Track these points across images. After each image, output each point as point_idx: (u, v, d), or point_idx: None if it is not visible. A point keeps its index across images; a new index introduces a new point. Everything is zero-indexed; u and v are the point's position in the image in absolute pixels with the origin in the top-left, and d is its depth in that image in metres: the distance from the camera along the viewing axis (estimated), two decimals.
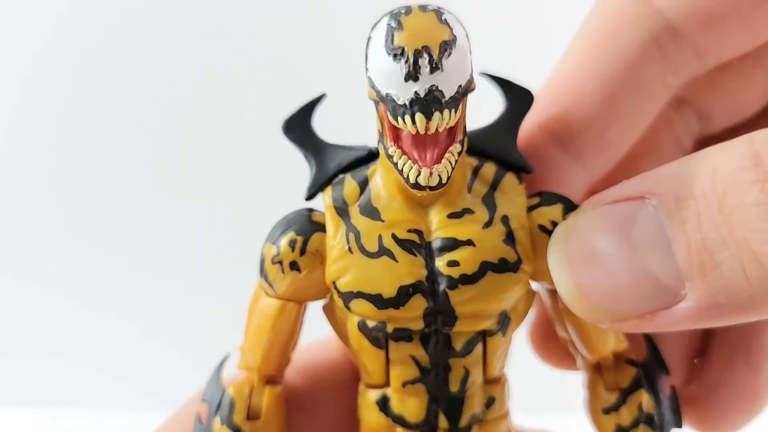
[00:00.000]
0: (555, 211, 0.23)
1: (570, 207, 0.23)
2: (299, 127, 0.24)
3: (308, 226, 0.23)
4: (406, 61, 0.20)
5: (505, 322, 0.23)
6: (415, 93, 0.20)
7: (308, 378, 0.27)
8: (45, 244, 0.62)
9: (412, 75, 0.20)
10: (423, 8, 0.20)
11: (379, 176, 0.23)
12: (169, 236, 0.62)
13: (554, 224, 0.23)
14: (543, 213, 0.23)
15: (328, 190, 0.24)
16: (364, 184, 0.23)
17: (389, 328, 0.22)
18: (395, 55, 0.20)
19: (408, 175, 0.21)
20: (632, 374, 0.25)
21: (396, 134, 0.21)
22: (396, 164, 0.21)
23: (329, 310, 0.24)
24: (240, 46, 0.61)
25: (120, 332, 0.61)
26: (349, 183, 0.23)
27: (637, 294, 0.19)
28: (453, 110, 0.20)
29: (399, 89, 0.20)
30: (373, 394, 0.24)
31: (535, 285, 0.24)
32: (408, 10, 0.20)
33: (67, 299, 0.61)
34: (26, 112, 0.62)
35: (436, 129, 0.20)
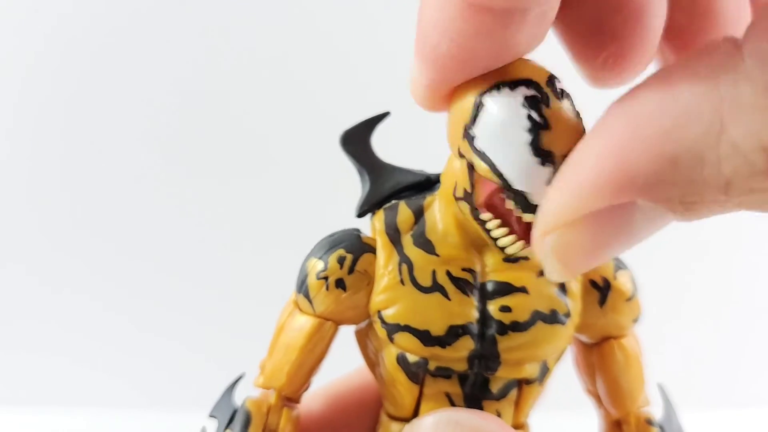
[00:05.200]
0: (607, 268, 0.24)
1: (620, 265, 0.24)
2: (358, 141, 0.24)
3: (358, 245, 0.23)
4: (555, 169, 0.18)
5: (544, 371, 0.23)
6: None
7: (328, 404, 0.26)
8: (45, 243, 0.62)
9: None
10: (556, 92, 0.19)
11: (436, 208, 0.22)
12: (169, 235, 0.61)
13: (605, 280, 0.23)
14: (596, 269, 0.23)
15: (380, 214, 0.23)
16: (419, 214, 0.23)
17: (431, 365, 0.22)
18: (544, 162, 0.18)
19: (505, 245, 0.20)
20: None
21: (492, 203, 0.20)
22: (489, 230, 0.20)
23: (362, 336, 0.24)
24: (244, 42, 0.61)
25: (120, 332, 0.61)
26: (404, 210, 0.23)
27: None
28: None
29: (537, 190, 0.19)
30: (396, 427, 0.23)
31: None
32: (545, 96, 0.19)
33: (68, 298, 0.61)
34: (29, 108, 0.61)
35: None
